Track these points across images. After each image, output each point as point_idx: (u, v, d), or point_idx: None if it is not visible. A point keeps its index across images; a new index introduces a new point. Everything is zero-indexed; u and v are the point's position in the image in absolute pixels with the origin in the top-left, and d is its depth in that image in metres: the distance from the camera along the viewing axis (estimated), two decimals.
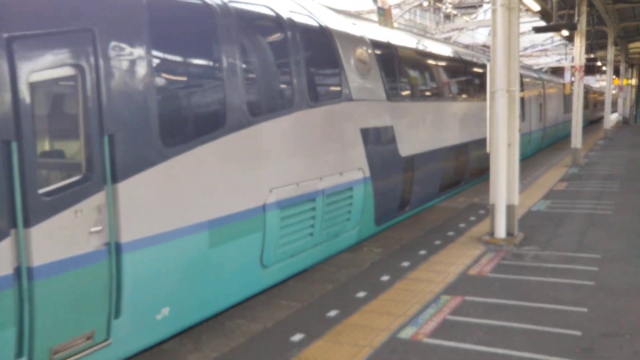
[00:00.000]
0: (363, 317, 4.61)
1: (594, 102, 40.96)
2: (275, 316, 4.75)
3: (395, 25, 16.40)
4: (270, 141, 5.26)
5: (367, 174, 6.96)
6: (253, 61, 5.32)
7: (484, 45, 27.30)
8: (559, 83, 23.85)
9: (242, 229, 4.86)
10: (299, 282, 5.66)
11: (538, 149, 18.66)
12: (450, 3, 25.74)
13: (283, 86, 5.74)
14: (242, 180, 4.89)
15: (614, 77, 28.98)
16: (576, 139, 14.65)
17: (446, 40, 20.24)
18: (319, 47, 6.44)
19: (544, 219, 8.16)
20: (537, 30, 15.18)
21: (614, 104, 33.71)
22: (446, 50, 11.55)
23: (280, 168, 5.38)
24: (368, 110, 7.11)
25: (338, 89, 6.54)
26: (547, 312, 4.57)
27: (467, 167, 11.29)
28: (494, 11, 6.85)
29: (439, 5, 26.48)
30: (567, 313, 4.54)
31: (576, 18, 14.62)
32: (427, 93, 9.94)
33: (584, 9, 14.71)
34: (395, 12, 22.57)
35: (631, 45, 33.23)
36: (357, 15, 8.70)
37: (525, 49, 33.12)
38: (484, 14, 30.29)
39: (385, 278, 5.63)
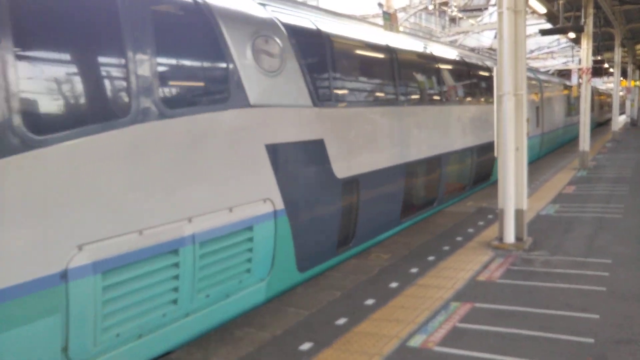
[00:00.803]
0: (372, 325, 4.57)
1: (600, 104, 40.70)
2: (283, 324, 4.72)
3: (401, 29, 16.39)
4: (77, 171, 3.54)
5: (280, 205, 5.30)
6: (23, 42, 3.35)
7: (490, 48, 27.24)
8: (559, 84, 23.06)
9: (18, 311, 3.23)
10: (307, 289, 5.63)
11: (536, 158, 17.44)
12: (455, 6, 25.69)
13: (104, 86, 3.92)
14: (18, 235, 3.23)
15: (622, 78, 28.81)
16: (584, 142, 14.56)
17: (443, 41, 20.12)
18: (185, 29, 4.66)
19: (552, 223, 8.10)
20: (544, 32, 15.11)
21: (622, 106, 33.54)
22: (410, 43, 9.52)
23: (100, 210, 3.66)
24: (280, 120, 5.39)
25: (222, 90, 4.78)
26: (558, 319, 4.52)
27: (441, 185, 9.66)
28: (500, 14, 6.82)
29: (445, 8, 26.46)
30: (579, 320, 4.49)
31: (583, 20, 14.55)
32: (380, 95, 8.04)
33: (591, 10, 14.64)
34: (400, 15, 22.58)
35: (638, 46, 33.09)
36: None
37: (532, 51, 33.06)
38: (489, 16, 30.26)
39: (394, 285, 5.59)
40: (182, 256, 4.24)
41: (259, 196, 5.09)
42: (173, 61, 4.51)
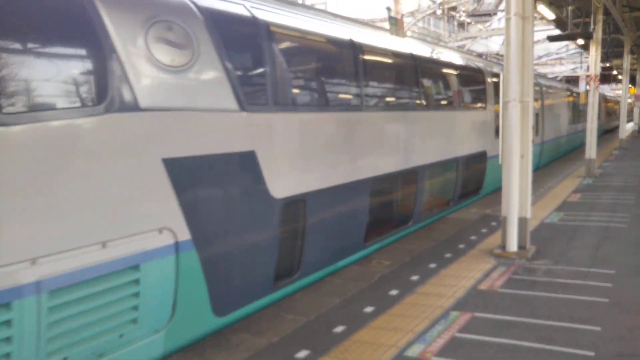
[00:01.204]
0: (370, 333, 4.52)
1: (608, 111, 40.44)
2: (280, 330, 4.67)
3: (409, 34, 16.34)
4: None
5: (184, 236, 4.23)
6: None
7: (498, 54, 27.15)
8: (563, 89, 22.07)
9: None
10: (305, 295, 5.58)
11: (534, 168, 16.18)
12: (464, 11, 25.62)
13: None
14: None
15: (630, 86, 28.63)
16: (591, 150, 14.45)
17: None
18: (44, 9, 3.56)
19: (556, 231, 8.02)
20: (552, 39, 15.04)
21: (629, 113, 33.33)
22: (381, 38, 8.24)
23: None
24: (187, 128, 4.30)
25: (97, 90, 3.76)
26: (559, 331, 4.45)
27: (418, 202, 8.52)
28: (507, 20, 6.76)
29: (453, 13, 26.38)
30: (580, 332, 4.42)
31: (592, 26, 14.45)
32: (337, 98, 6.97)
33: (600, 17, 14.54)
34: (408, 20, 22.53)
35: None
36: None
37: (540, 57, 32.94)
38: (498, 22, 30.17)
39: (394, 292, 5.54)
40: (17, 311, 3.20)
41: (151, 225, 3.99)
42: (18, 51, 3.46)
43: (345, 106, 6.96)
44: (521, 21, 6.72)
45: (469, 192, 11.01)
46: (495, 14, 32.57)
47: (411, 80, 8.60)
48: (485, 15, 32.92)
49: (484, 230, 8.25)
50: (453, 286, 5.66)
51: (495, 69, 12.50)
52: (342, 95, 7.13)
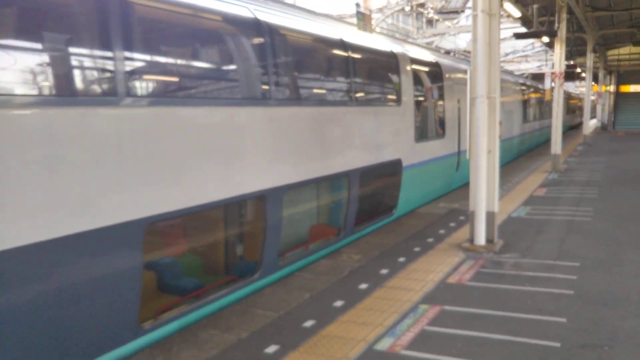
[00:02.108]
0: (340, 328, 4.50)
1: (572, 108, 41.31)
2: (250, 326, 4.63)
3: (378, 30, 16.37)
4: None
5: None
6: None
7: (466, 51, 27.45)
8: (517, 83, 19.66)
9: None
10: (276, 290, 5.54)
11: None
12: (432, 8, 25.82)
13: None
14: None
15: (593, 83, 29.31)
16: (556, 145, 14.74)
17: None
18: None
19: (523, 225, 8.14)
20: (518, 36, 15.26)
21: (593, 110, 34.15)
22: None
23: None
24: None
25: None
26: (526, 323, 4.51)
27: (269, 242, 5.82)
28: (474, 17, 6.81)
29: (422, 10, 26.57)
30: (546, 323, 4.49)
31: (556, 25, 14.72)
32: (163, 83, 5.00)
33: (564, 16, 14.83)
34: (376, 16, 22.60)
35: (610, 52, 33.78)
36: None
37: (507, 54, 33.44)
38: (465, 19, 30.49)
39: (363, 286, 5.54)
40: None
41: None
42: None
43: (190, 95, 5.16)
44: (488, 18, 6.78)
45: (373, 214, 8.62)
46: (462, 11, 32.92)
47: (254, 58, 5.88)
48: (453, 12, 33.24)
49: (452, 224, 8.33)
50: (422, 280, 5.69)
51: (421, 54, 10.60)
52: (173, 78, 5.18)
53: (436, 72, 11.13)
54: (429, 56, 11.27)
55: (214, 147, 5.02)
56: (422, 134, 10.06)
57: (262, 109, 5.75)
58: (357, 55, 8.06)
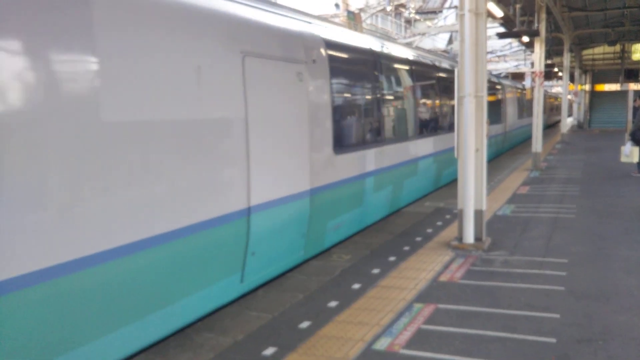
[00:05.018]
0: (336, 328, 4.49)
1: (549, 107, 41.84)
2: (245, 328, 4.59)
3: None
4: None
5: None
6: None
7: (444, 51, 27.66)
8: (495, 83, 18.82)
9: None
10: (268, 292, 5.51)
11: (432, 188, 11.56)
12: (412, 8, 25.98)
13: None
14: None
15: (570, 82, 29.78)
16: (537, 143, 14.93)
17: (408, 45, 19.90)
18: None
19: (509, 223, 8.22)
20: (501, 35, 15.44)
21: (569, 109, 34.69)
22: None
23: None
24: None
25: None
26: (520, 319, 4.55)
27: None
28: (461, 16, 6.86)
29: (402, 10, 26.72)
30: (540, 319, 4.53)
31: (536, 25, 14.91)
32: None
33: (543, 16, 15.04)
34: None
35: (585, 52, 34.42)
36: None
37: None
38: (444, 20, 30.75)
39: (356, 286, 5.53)
40: None
41: None
42: None
43: None
44: (475, 17, 6.83)
45: None
46: (441, 11, 33.21)
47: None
48: (431, 12, 33.52)
49: (439, 223, 8.37)
50: (414, 278, 5.70)
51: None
52: None
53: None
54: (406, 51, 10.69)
55: None
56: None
57: None
58: None
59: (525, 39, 16.60)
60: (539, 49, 15.06)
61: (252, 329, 4.57)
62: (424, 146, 10.46)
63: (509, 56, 34.86)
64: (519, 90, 23.35)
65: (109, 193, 3.68)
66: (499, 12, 13.97)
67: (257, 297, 5.38)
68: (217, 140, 4.68)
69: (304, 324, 4.59)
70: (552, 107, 43.52)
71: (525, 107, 23.77)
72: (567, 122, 28.79)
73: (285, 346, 4.17)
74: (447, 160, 11.56)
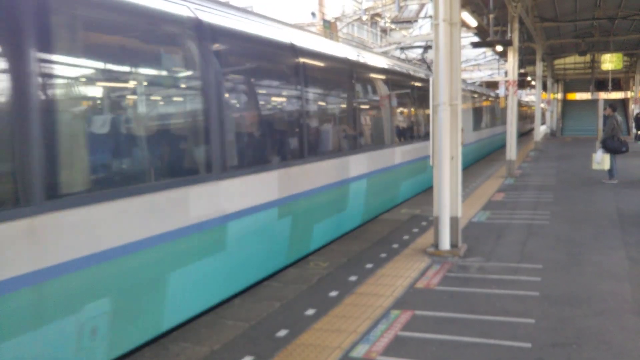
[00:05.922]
0: (314, 336, 4.47)
1: (522, 116, 42.45)
2: (221, 338, 4.54)
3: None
4: None
5: None
6: None
7: (421, 60, 27.93)
8: (470, 91, 18.58)
9: None
10: (245, 301, 5.47)
11: (378, 212, 9.83)
12: (388, 17, 26.22)
13: None
14: None
15: (543, 91, 30.32)
16: (511, 151, 15.14)
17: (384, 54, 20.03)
18: None
19: (484, 230, 8.31)
20: (475, 45, 15.66)
21: (542, 117, 35.27)
22: None
23: None
24: None
25: None
26: (496, 325, 4.59)
27: None
28: (436, 26, 6.94)
29: (378, 19, 26.95)
30: (516, 325, 4.57)
31: (509, 35, 15.17)
32: None
33: (516, 26, 15.32)
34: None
35: (557, 61, 35.10)
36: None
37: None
38: (419, 29, 31.07)
39: (333, 293, 5.52)
40: None
41: None
42: None
43: None
44: (449, 27, 6.92)
45: None
46: (416, 21, 33.53)
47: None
48: (407, 22, 33.83)
49: (416, 230, 8.42)
50: (391, 285, 5.72)
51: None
52: None
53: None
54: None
55: None
56: None
57: None
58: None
59: (499, 48, 16.90)
60: (512, 58, 15.31)
61: (229, 337, 4.53)
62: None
63: (483, 65, 35.40)
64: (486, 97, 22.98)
65: None
66: (473, 22, 14.18)
67: (233, 306, 5.34)
68: None
69: (281, 333, 4.56)
70: (525, 116, 44.19)
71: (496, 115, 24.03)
72: (541, 130, 29.26)
73: (263, 355, 4.14)
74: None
